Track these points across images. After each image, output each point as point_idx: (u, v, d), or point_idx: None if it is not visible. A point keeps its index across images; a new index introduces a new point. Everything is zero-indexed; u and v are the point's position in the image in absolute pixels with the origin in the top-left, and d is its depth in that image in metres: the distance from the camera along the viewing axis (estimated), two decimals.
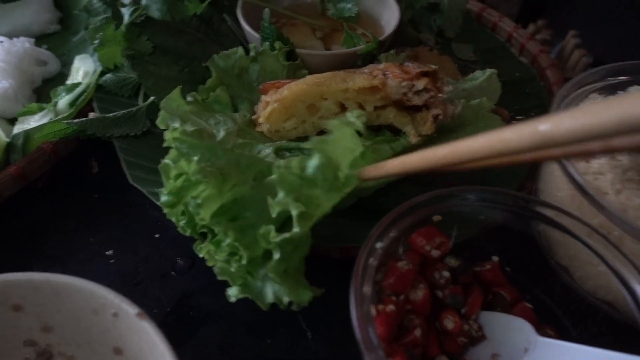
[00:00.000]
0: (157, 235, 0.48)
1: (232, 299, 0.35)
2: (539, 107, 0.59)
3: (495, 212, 0.37)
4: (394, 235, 0.34)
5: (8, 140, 0.49)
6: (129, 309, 0.29)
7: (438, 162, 0.30)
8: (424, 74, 0.45)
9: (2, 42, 0.63)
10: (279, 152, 0.45)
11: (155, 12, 0.48)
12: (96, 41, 0.53)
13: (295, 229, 0.33)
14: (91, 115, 0.51)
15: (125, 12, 0.48)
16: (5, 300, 0.30)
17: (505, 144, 0.23)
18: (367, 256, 0.33)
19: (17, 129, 0.54)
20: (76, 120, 0.48)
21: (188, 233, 0.39)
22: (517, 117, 0.57)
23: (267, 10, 0.54)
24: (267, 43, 0.53)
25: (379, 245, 0.33)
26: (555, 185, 0.40)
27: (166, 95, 0.43)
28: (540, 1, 0.98)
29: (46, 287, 0.30)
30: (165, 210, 0.39)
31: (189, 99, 0.46)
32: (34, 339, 0.32)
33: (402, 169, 0.35)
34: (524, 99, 0.61)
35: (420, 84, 0.44)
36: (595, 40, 0.77)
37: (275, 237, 0.33)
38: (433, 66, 0.46)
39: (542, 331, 0.34)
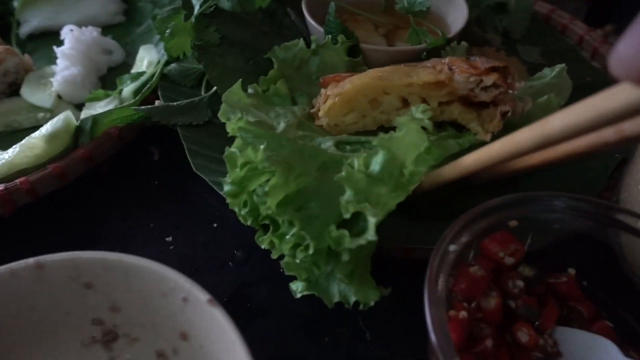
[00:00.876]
0: (215, 225, 0.48)
1: (297, 295, 0.34)
2: None
3: (574, 220, 0.35)
4: (467, 239, 0.33)
5: (77, 124, 0.50)
6: (200, 295, 0.28)
7: (493, 159, 0.30)
8: (493, 69, 0.43)
9: (72, 30, 0.66)
10: (339, 146, 0.44)
11: (225, 3, 0.48)
12: (167, 31, 0.54)
13: (370, 236, 0.32)
14: (157, 103, 0.52)
15: (196, 3, 0.48)
16: (78, 277, 0.31)
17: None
18: (441, 259, 0.31)
19: (85, 114, 0.56)
20: (143, 107, 0.49)
21: (249, 223, 0.39)
22: None
23: (332, 4, 0.54)
24: (329, 36, 0.53)
25: (452, 248, 0.32)
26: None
27: (230, 87, 0.43)
28: (608, 6, 0.94)
29: (118, 267, 0.30)
30: (228, 200, 0.39)
31: (249, 91, 0.46)
32: (101, 318, 0.32)
33: (458, 173, 0.34)
34: None
35: (489, 79, 0.42)
36: None
37: (350, 243, 0.32)
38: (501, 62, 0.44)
39: (625, 352, 0.32)
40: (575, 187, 0.45)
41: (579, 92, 0.53)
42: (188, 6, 0.49)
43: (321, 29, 0.53)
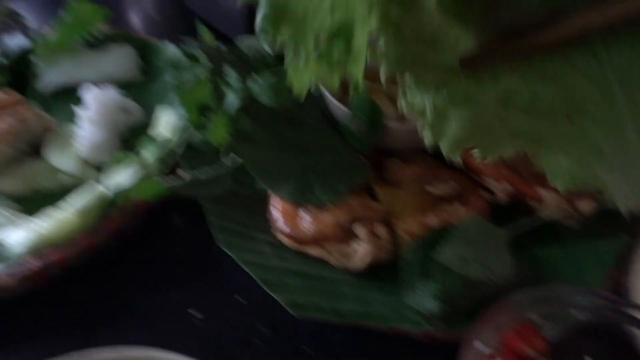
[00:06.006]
0: (239, 299, 0.49)
1: None
2: None
3: (594, 313, 0.37)
4: (491, 333, 0.35)
5: (107, 194, 0.51)
6: None
7: None
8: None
9: (93, 91, 0.67)
10: None
11: (265, 100, 0.50)
12: (188, 103, 0.56)
13: None
14: (179, 172, 0.53)
15: (233, 95, 0.50)
16: None
17: None
18: (467, 355, 0.33)
19: (107, 178, 0.57)
20: (173, 181, 0.51)
21: None
22: None
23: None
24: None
25: (479, 345, 0.34)
26: None
27: (268, 174, 0.45)
28: None
29: None
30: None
31: None
32: None
33: None
34: None
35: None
36: None
37: None
38: None
39: None
40: (586, 265, 0.48)
41: None
42: (220, 99, 0.51)
43: (344, 109, 0.55)
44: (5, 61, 0.74)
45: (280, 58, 0.65)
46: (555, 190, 0.50)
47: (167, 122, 0.63)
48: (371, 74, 0.55)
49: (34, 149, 0.63)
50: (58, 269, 0.46)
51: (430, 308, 0.42)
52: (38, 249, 0.47)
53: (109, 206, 0.51)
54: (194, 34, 0.68)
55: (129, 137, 0.66)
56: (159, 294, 0.49)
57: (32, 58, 0.76)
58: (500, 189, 0.50)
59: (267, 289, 0.43)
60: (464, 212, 0.48)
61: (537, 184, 0.49)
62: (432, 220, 0.47)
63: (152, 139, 0.60)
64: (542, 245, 0.49)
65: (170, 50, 0.77)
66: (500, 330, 0.35)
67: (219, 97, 0.52)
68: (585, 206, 0.50)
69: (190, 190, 0.52)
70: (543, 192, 0.50)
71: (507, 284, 0.44)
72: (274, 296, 0.43)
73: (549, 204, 0.50)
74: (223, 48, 0.61)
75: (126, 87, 0.75)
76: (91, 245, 0.48)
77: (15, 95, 0.64)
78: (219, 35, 0.72)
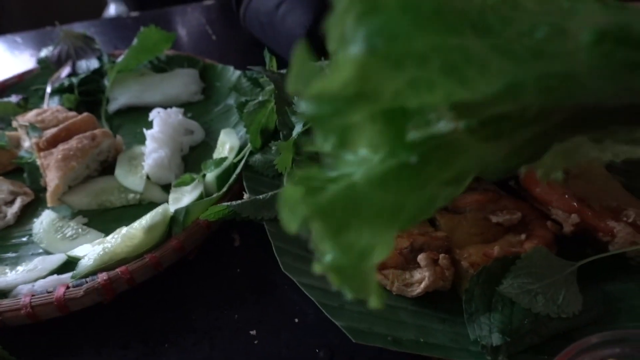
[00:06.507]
0: (296, 320, 0.49)
1: None
2: None
3: None
4: None
5: (172, 213, 0.53)
6: None
7: None
8: None
9: (159, 112, 0.71)
10: None
11: None
12: (251, 126, 0.58)
13: None
14: (245, 196, 0.55)
15: (298, 122, 0.52)
16: None
17: None
18: None
19: (172, 198, 0.60)
20: (235, 203, 0.52)
21: None
22: None
23: None
24: None
25: None
26: None
27: None
28: None
29: None
30: None
31: None
32: None
33: None
34: None
35: None
36: None
37: None
38: None
39: None
40: None
41: None
42: (284, 126, 0.52)
43: None
44: (76, 82, 0.79)
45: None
46: (629, 224, 0.48)
47: (229, 144, 0.65)
48: None
49: (104, 168, 0.67)
50: (124, 283, 0.48)
51: (494, 341, 0.40)
52: (106, 263, 0.49)
53: (173, 225, 0.53)
54: (256, 60, 0.70)
55: (192, 158, 0.69)
56: (218, 312, 0.50)
57: (103, 81, 0.81)
58: (569, 221, 0.48)
59: (326, 313, 0.43)
60: (529, 243, 0.47)
61: (609, 217, 0.47)
62: (496, 250, 0.46)
63: (216, 161, 0.63)
64: (612, 281, 0.47)
65: (232, 73, 0.81)
66: None
67: (286, 123, 0.54)
68: None
69: (251, 212, 0.53)
70: (613, 225, 0.48)
71: (575, 319, 0.43)
72: (334, 320, 0.43)
73: (620, 237, 0.48)
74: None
75: (189, 108, 0.78)
76: (156, 262, 0.50)
77: (90, 118, 0.69)
78: (281, 61, 0.75)
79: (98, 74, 0.82)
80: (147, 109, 0.74)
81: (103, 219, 0.60)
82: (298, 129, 0.52)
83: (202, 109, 0.79)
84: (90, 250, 0.51)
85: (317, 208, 0.19)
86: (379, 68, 0.17)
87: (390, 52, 0.17)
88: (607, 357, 0.35)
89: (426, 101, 0.18)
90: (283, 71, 0.65)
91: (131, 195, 0.62)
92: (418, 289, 0.46)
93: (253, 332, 0.48)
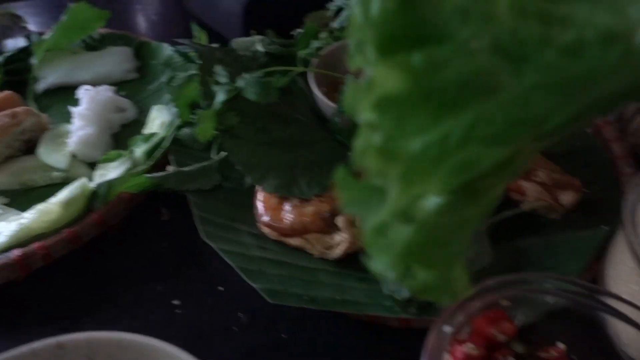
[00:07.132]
0: (221, 288, 0.49)
1: None
2: (605, 179, 0.57)
3: (563, 299, 0.37)
4: (461, 319, 0.35)
5: (94, 188, 0.52)
6: None
7: None
8: None
9: (88, 90, 0.69)
10: None
11: (250, 95, 0.51)
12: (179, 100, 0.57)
13: None
14: (168, 168, 0.54)
15: (220, 92, 0.51)
16: (95, 356, 0.32)
17: None
18: (436, 339, 0.33)
19: (98, 174, 0.59)
20: (157, 174, 0.52)
21: None
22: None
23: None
24: None
25: (447, 329, 0.34)
26: (627, 277, 0.40)
27: (252, 163, 0.46)
28: None
29: (132, 347, 0.32)
30: None
31: None
32: None
33: None
34: (586, 170, 0.60)
35: None
36: None
37: None
38: None
39: None
40: (565, 255, 0.48)
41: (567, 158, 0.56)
42: (207, 96, 0.52)
43: (332, 104, 0.55)
44: (2, 61, 0.76)
45: (271, 56, 0.66)
46: (538, 183, 0.50)
47: (160, 121, 0.64)
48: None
49: (29, 148, 0.65)
50: (40, 259, 0.47)
51: (404, 295, 0.42)
52: (20, 239, 0.48)
53: (93, 199, 0.52)
54: (192, 36, 0.69)
55: (123, 136, 0.68)
56: (142, 285, 0.50)
57: (30, 59, 0.78)
58: None
59: (245, 277, 0.44)
60: None
61: (521, 177, 0.49)
62: None
63: (143, 136, 0.62)
64: (523, 236, 0.49)
65: (166, 50, 0.79)
66: (470, 315, 0.35)
67: (208, 94, 0.53)
68: (567, 198, 0.51)
69: (176, 184, 0.53)
70: (525, 185, 0.50)
71: (485, 272, 0.44)
72: (252, 284, 0.43)
73: (531, 196, 0.50)
74: (216, 48, 0.63)
75: (123, 86, 0.77)
76: (75, 236, 0.49)
77: (11, 95, 0.66)
78: (216, 36, 0.74)
79: (26, 52, 0.79)
80: (78, 88, 0.71)
81: (26, 199, 0.58)
82: (220, 97, 0.52)
83: (136, 87, 0.77)
84: (4, 226, 0.49)
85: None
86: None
87: None
88: (500, 299, 0.37)
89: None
90: (214, 45, 0.64)
91: (55, 174, 0.60)
92: (337, 251, 0.47)
93: (176, 302, 0.48)
